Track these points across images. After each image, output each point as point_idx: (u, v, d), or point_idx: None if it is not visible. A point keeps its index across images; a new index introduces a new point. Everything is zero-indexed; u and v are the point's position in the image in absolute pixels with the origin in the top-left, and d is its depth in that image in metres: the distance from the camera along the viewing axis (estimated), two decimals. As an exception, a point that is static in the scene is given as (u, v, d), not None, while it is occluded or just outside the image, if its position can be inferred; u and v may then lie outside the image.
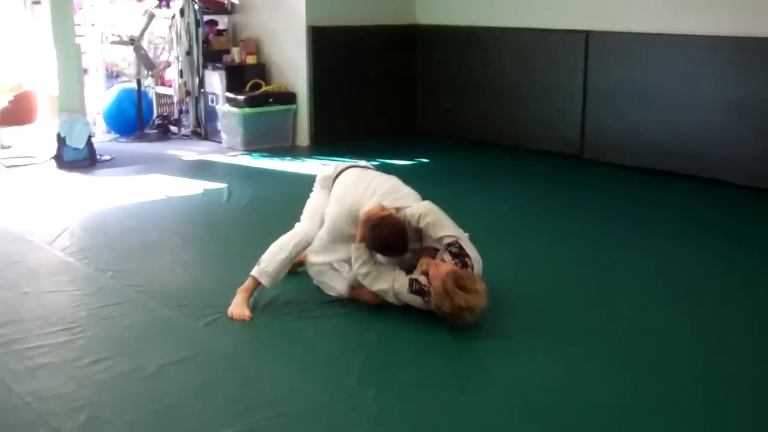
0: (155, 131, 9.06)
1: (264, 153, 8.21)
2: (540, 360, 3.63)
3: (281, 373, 3.48)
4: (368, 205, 4.05)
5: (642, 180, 7.17)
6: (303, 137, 8.65)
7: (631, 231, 5.63)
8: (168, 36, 8.80)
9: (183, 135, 9.06)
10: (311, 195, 4.50)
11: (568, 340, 3.84)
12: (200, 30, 8.68)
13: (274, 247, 4.17)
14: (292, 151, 8.39)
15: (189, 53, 8.70)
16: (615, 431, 3.05)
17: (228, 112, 8.42)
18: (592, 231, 5.62)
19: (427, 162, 7.82)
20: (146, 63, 8.78)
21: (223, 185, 6.76)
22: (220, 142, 8.63)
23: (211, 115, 8.85)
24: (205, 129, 8.94)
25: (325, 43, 8.47)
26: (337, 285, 4.17)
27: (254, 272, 4.14)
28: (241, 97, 8.32)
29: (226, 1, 9.01)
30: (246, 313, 4.02)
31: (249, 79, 8.65)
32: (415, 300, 3.94)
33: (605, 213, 6.14)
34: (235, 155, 8.16)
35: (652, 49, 7.32)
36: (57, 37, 7.47)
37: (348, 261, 4.09)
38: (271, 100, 8.45)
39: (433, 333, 3.88)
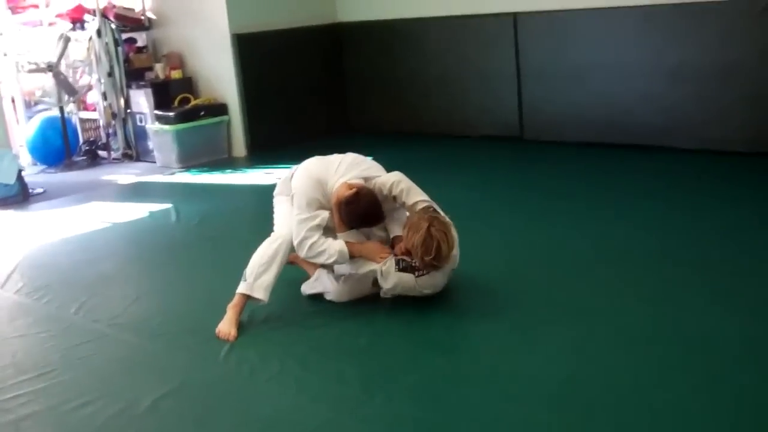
0: (84, 158, 8.76)
1: (202, 168, 8.00)
2: (539, 344, 3.59)
3: (280, 393, 3.34)
4: (334, 179, 4.00)
5: (586, 154, 7.21)
6: (239, 148, 8.46)
7: (587, 204, 5.66)
8: (87, 58, 8.49)
9: (113, 159, 8.77)
10: (276, 207, 4.34)
11: (561, 320, 3.80)
12: (120, 49, 8.41)
13: (258, 258, 4.00)
14: (229, 163, 8.21)
15: (111, 74, 8.41)
16: (633, 408, 3.00)
17: (159, 130, 8.18)
18: (551, 207, 5.64)
19: (370, 159, 7.70)
20: (67, 89, 8.47)
21: (168, 205, 6.54)
22: (154, 162, 8.39)
23: (141, 135, 8.59)
24: (136, 150, 8.67)
25: (251, 49, 8.30)
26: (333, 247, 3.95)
27: (242, 288, 3.98)
28: (171, 114, 8.10)
29: (142, 17, 8.73)
30: (232, 332, 3.87)
31: (176, 94, 8.43)
32: (405, 279, 3.87)
33: (557, 189, 6.17)
34: (173, 173, 7.94)
35: (580, 24, 7.38)
36: (-27, 70, 7.12)
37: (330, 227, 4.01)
38: (202, 113, 8.24)
39: (425, 331, 3.81)
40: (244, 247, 4.88)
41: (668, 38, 6.89)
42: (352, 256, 3.95)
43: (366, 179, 4.03)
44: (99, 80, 8.46)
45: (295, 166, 4.29)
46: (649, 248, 4.68)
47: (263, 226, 5.51)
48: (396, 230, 4.07)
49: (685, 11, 6.77)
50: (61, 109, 8.52)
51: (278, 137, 8.54)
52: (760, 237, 4.73)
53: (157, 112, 8.23)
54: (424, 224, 3.70)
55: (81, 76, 8.78)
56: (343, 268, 4.05)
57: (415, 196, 3.98)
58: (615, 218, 5.30)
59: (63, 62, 8.53)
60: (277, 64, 8.57)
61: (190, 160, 8.15)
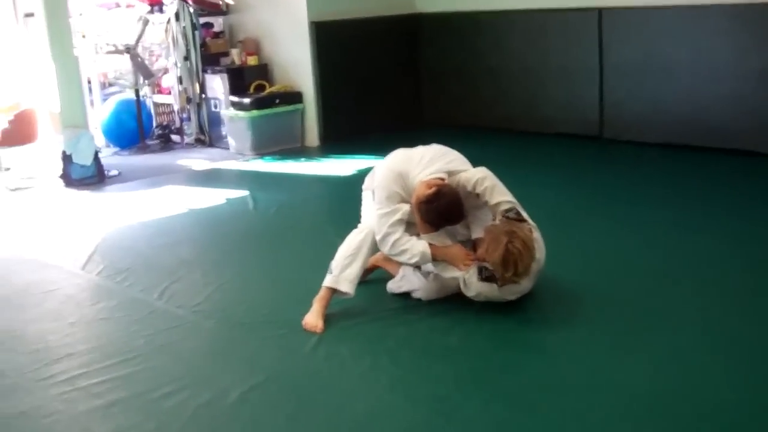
0: (156, 142, 8.77)
1: (275, 156, 7.95)
2: (636, 353, 3.43)
3: (372, 390, 3.25)
4: (416, 171, 3.84)
5: (668, 155, 6.99)
6: (312, 137, 8.39)
7: (678, 209, 5.46)
8: (164, 42, 8.50)
9: (186, 144, 8.78)
10: (363, 201, 4.25)
11: (655, 329, 3.64)
12: (197, 33, 8.40)
13: (345, 250, 3.90)
14: (302, 152, 8.14)
15: (187, 58, 8.41)
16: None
17: (235, 117, 8.14)
18: (632, 212, 5.45)
19: (455, 151, 7.56)
20: (144, 71, 8.48)
21: (245, 193, 6.50)
22: (227, 148, 8.36)
23: (215, 120, 8.57)
24: (209, 136, 8.66)
25: (328, 38, 8.21)
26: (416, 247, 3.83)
27: (328, 282, 3.89)
28: (247, 100, 8.06)
29: (221, 2, 8.71)
30: (319, 324, 3.79)
31: (251, 80, 8.38)
32: (487, 289, 3.73)
33: (638, 192, 5.98)
34: (246, 160, 7.89)
35: (666, 22, 7.14)
36: (55, 51, 7.14)
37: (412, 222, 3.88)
38: (277, 101, 8.18)
39: (516, 333, 3.69)
40: (324, 238, 4.90)
41: (759, 38, 6.64)
42: (435, 259, 3.82)
43: (450, 173, 3.88)
44: (175, 64, 8.45)
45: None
46: (734, 259, 4.49)
47: (341, 217, 5.50)
48: (478, 231, 3.93)
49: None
50: (137, 92, 8.53)
51: (351, 128, 8.45)
52: None
53: (232, 98, 8.20)
54: (503, 239, 3.55)
55: (157, 60, 8.80)
56: (428, 267, 3.94)
57: (499, 195, 3.83)
58: (700, 227, 5.08)
59: (140, 45, 8.55)
60: (354, 54, 8.47)
61: (263, 147, 8.11)
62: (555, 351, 3.55)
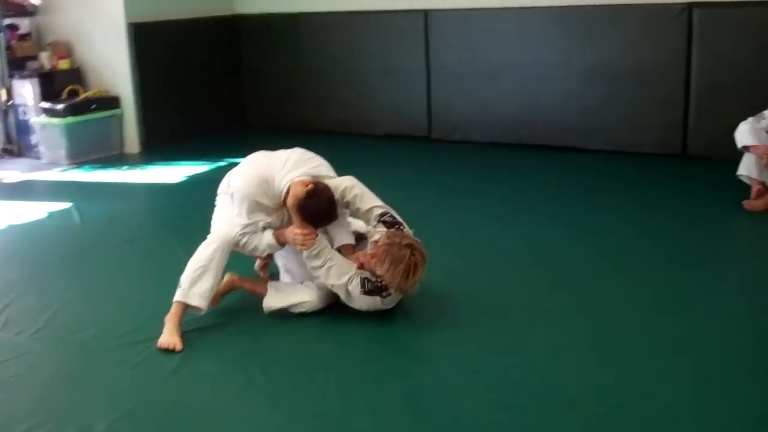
0: (-45, 153, 8.06)
1: (94, 165, 7.49)
2: (515, 348, 3.45)
3: (252, 410, 3.06)
4: (280, 175, 3.70)
5: (497, 154, 7.17)
6: (132, 143, 7.98)
7: (506, 204, 5.61)
8: (-37, 45, 7.81)
9: (-8, 154, 8.11)
10: (217, 207, 4.03)
11: (524, 325, 3.70)
12: (1, 35, 7.77)
13: (194, 263, 3.69)
14: (121, 159, 7.72)
15: (-10, 63, 7.77)
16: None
17: (47, 124, 7.60)
18: (466, 205, 5.59)
19: (318, 156, 7.38)
20: (-59, 77, 7.76)
21: (67, 205, 6.05)
22: (39, 158, 7.79)
23: (23, 128, 7.98)
24: (18, 145, 8.04)
25: (147, 40, 7.84)
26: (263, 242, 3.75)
27: (179, 296, 3.67)
28: (60, 106, 7.54)
29: (26, 2, 8.11)
30: (176, 341, 3.55)
31: (63, 85, 7.87)
32: (370, 302, 3.65)
33: (470, 188, 6.11)
34: (63, 170, 7.39)
35: (493, 23, 7.33)
36: None
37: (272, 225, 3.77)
38: (93, 106, 7.72)
39: (394, 338, 3.61)
40: (166, 251, 4.70)
41: (583, 39, 6.94)
42: (279, 242, 3.73)
43: (315, 178, 3.77)
44: (-23, 69, 7.79)
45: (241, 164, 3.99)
46: (579, 245, 4.72)
47: (180, 227, 5.28)
48: (342, 238, 3.83)
49: (599, 12, 6.82)
50: (-66, 100, 7.80)
51: (173, 133, 8.13)
52: (675, 236, 4.85)
53: (44, 104, 7.65)
54: (406, 253, 3.50)
55: (-45, 64, 8.08)
56: (317, 276, 3.76)
57: (370, 201, 3.77)
58: (530, 217, 5.29)
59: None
60: (174, 56, 8.15)
61: (80, 156, 7.62)
62: (432, 353, 3.51)
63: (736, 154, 5.35)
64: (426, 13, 7.60)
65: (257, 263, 4.30)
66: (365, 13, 7.95)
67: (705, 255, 4.58)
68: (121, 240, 5.23)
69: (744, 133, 5.33)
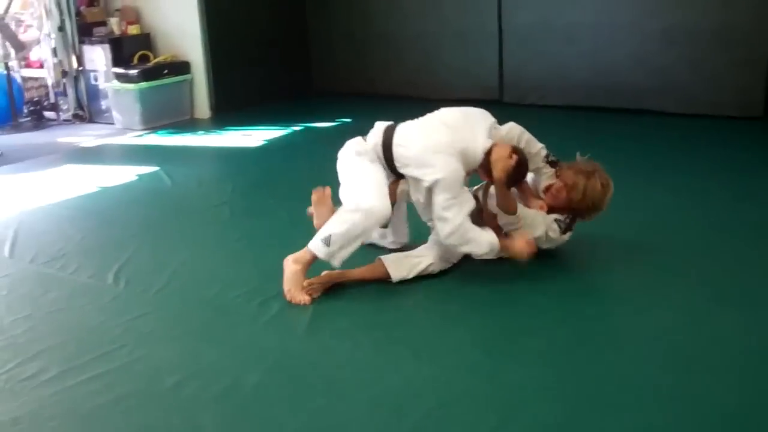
0: (28, 119, 8.13)
1: (168, 129, 7.55)
2: (664, 311, 3.43)
3: (398, 362, 3.07)
4: (479, 142, 3.60)
5: (573, 116, 7.14)
6: (203, 109, 8.02)
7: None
8: (35, 11, 7.85)
9: (63, 120, 8.18)
10: (354, 169, 3.74)
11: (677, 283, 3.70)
12: (71, 1, 7.80)
13: (350, 228, 3.56)
14: (193, 124, 7.77)
15: (62, 28, 7.80)
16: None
17: (121, 90, 7.65)
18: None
19: (351, 122, 7.43)
20: (14, 43, 7.82)
21: (154, 168, 6.11)
22: (111, 123, 7.86)
23: (94, 94, 8.04)
24: (89, 111, 8.11)
25: (216, 4, 7.84)
26: (483, 238, 3.64)
27: (322, 254, 3.61)
28: (134, 72, 7.58)
29: (95, -32, 8.13)
30: (305, 297, 3.60)
31: (133, 51, 7.90)
32: (564, 240, 3.84)
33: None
34: (138, 135, 7.44)
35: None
36: None
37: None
38: (165, 71, 7.75)
39: (516, 296, 3.62)
40: (265, 212, 4.80)
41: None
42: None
43: (494, 136, 3.74)
44: (48, 35, 7.82)
45: (372, 131, 3.80)
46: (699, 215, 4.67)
47: (272, 189, 5.32)
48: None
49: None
50: (7, 66, 7.86)
51: (242, 98, 8.17)
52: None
53: (116, 69, 7.69)
54: (594, 176, 3.71)
55: (26, 30, 8.13)
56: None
57: (536, 144, 3.87)
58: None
59: (8, 14, 7.86)
60: (243, 21, 8.16)
61: (153, 121, 7.68)
62: (562, 312, 3.51)
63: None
64: (499, -26, 7.54)
65: None
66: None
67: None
68: (218, 202, 5.26)
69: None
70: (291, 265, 3.65)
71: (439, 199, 3.53)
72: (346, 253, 3.62)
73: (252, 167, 6.17)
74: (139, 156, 6.72)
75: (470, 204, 3.60)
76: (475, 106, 3.86)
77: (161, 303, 3.72)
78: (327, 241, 3.60)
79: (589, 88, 7.27)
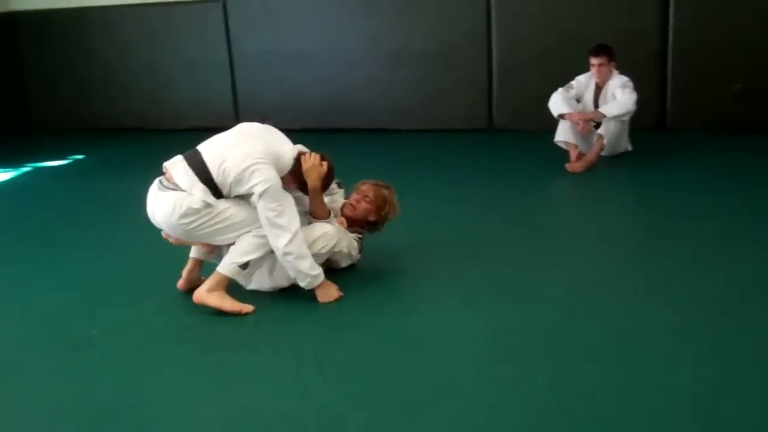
0: None
1: None
2: (476, 313, 3.56)
3: (218, 395, 2.98)
4: (287, 147, 3.65)
5: (309, 140, 7.26)
6: None
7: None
8: None
9: None
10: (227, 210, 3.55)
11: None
12: None
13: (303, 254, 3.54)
14: None
15: None
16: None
17: None
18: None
19: (84, 158, 7.08)
20: None
21: None
22: None
23: None
24: None
25: None
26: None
27: (230, 272, 3.57)
28: None
29: None
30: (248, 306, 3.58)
31: None
32: (357, 257, 3.98)
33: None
34: None
35: (296, 9, 7.44)
36: None
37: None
38: None
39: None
40: (15, 261, 4.52)
41: (387, 23, 7.22)
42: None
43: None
44: None
45: (176, 168, 3.57)
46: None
47: (17, 235, 5.02)
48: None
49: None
50: None
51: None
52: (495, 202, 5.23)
53: None
54: (386, 191, 3.96)
55: None
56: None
57: None
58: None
59: None
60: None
61: None
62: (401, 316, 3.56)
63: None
64: (224, 2, 7.59)
65: (201, 252, 3.85)
66: (158, 5, 7.80)
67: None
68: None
69: (558, 103, 5.83)
70: (210, 294, 3.56)
71: (269, 208, 3.45)
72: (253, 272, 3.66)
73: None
74: None
75: (295, 207, 3.56)
76: (210, 133, 3.77)
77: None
78: (235, 260, 3.55)
79: (325, 111, 7.47)
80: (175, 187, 3.53)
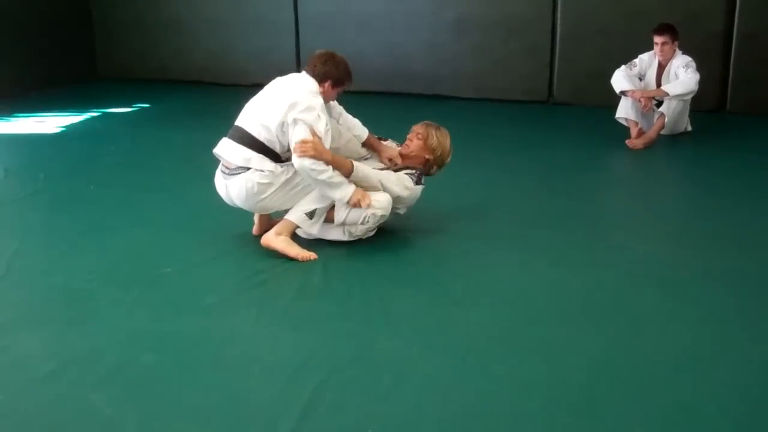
0: None
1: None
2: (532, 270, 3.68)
3: (290, 337, 3.13)
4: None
5: (368, 102, 7.35)
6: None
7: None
8: None
9: None
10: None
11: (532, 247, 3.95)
12: None
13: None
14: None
15: None
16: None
17: None
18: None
19: (149, 107, 7.25)
20: None
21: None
22: None
23: None
24: None
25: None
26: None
27: (297, 219, 3.79)
28: None
29: None
30: (313, 254, 3.75)
31: None
32: (415, 190, 3.96)
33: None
34: None
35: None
36: None
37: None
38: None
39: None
40: (89, 201, 4.71)
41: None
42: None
43: None
44: None
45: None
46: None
47: (89, 176, 5.16)
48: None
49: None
50: None
51: (17, 84, 7.70)
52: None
53: None
54: (436, 130, 4.06)
55: None
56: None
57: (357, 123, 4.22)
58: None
59: None
60: (15, 5, 7.69)
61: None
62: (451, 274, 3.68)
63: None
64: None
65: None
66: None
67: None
68: (32, 190, 4.97)
69: (620, 80, 5.87)
70: (278, 238, 3.74)
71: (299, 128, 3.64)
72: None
73: (58, 154, 5.89)
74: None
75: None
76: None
77: (7, 293, 3.51)
78: (310, 213, 3.78)
79: (385, 74, 7.54)
80: (237, 171, 3.74)
